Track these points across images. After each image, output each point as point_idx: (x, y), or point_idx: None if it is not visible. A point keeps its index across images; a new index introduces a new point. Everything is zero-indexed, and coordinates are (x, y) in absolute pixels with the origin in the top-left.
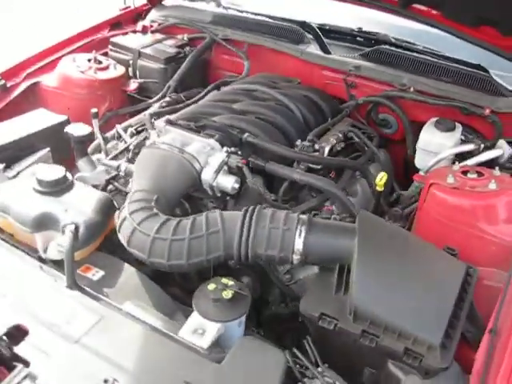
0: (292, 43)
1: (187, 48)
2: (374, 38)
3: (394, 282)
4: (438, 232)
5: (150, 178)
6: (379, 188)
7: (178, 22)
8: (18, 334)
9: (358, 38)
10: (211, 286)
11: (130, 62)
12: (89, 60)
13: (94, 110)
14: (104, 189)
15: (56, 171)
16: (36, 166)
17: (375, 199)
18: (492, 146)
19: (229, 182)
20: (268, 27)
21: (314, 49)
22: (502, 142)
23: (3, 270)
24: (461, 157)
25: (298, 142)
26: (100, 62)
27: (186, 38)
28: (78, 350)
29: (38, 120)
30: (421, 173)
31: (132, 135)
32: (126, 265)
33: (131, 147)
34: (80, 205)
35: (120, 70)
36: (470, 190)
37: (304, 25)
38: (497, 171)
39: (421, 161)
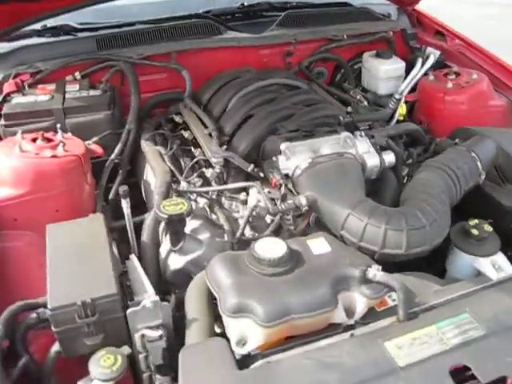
0: (213, 36)
1: (101, 85)
2: (257, 9)
3: None
4: (466, 122)
5: (346, 192)
6: (401, 117)
7: (69, 61)
8: None
9: (238, 15)
10: (474, 232)
11: (57, 125)
12: (33, 140)
13: (125, 188)
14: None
15: (273, 244)
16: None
17: None
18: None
19: (392, 157)
20: (180, 29)
21: (237, 34)
22: (430, 49)
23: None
24: None
25: (350, 109)
26: (50, 140)
27: (79, 77)
28: None
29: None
30: (396, 96)
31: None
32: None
33: (281, 182)
34: (343, 253)
35: (73, 137)
36: (468, 83)
37: (202, 16)
38: (455, 67)
39: (386, 88)
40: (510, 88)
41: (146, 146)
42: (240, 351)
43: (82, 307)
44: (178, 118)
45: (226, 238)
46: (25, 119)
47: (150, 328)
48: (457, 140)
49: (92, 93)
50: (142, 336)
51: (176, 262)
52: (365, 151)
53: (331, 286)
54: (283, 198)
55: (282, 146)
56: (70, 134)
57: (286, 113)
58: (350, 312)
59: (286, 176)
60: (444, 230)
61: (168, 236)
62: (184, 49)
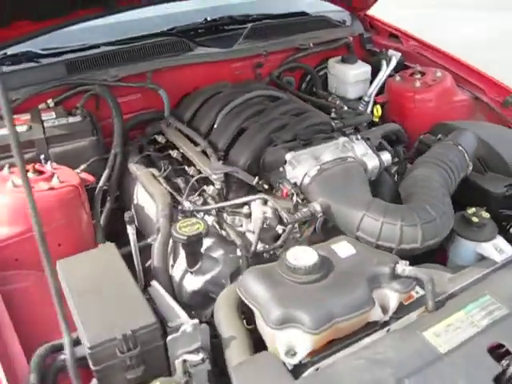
0: (184, 52)
1: (78, 111)
2: (220, 23)
3: None
4: (435, 118)
5: (356, 195)
6: (376, 119)
7: (42, 89)
8: None
9: (201, 30)
10: (475, 219)
11: (41, 156)
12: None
13: (129, 214)
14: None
15: (303, 252)
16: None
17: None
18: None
19: (389, 157)
20: (151, 48)
21: (208, 50)
22: (391, 52)
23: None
24: None
25: (334, 115)
26: (41, 172)
27: (52, 104)
28: None
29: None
30: (365, 98)
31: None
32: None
33: (292, 192)
34: (368, 253)
35: (63, 166)
36: (435, 81)
37: (167, 33)
38: (418, 67)
39: (355, 92)
40: (470, 82)
41: (137, 169)
42: (291, 361)
43: (123, 341)
44: (160, 138)
45: (238, 253)
46: (4, 153)
47: (190, 352)
48: (439, 136)
49: (71, 120)
50: (184, 361)
51: (194, 283)
52: (363, 154)
53: (367, 285)
54: (296, 207)
55: (288, 156)
56: (54, 164)
57: (278, 123)
58: (384, 309)
59: (294, 185)
60: (451, 220)
61: (180, 258)
62: (158, 68)
